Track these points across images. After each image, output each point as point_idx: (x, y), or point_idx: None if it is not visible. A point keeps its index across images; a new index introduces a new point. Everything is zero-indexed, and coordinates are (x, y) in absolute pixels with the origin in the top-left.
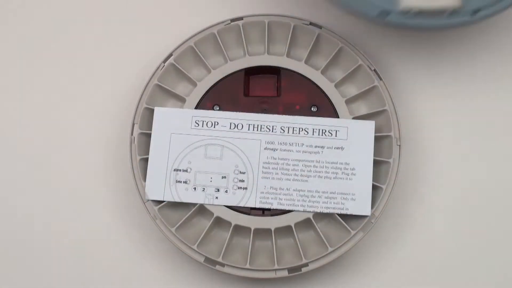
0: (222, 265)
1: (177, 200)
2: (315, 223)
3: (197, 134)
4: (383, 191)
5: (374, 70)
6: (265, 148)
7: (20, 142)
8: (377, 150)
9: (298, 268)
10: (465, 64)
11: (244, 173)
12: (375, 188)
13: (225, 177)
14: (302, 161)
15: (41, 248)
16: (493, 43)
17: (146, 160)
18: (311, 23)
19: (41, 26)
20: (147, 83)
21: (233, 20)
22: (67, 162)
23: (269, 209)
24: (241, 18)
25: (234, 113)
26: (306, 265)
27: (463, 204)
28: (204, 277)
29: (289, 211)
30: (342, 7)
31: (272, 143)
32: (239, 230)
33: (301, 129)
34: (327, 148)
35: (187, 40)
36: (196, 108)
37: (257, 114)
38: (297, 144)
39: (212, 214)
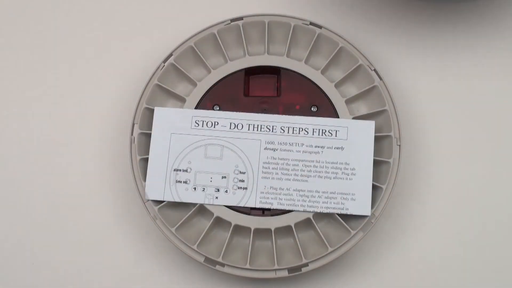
0: (222, 265)
1: (177, 200)
2: (315, 223)
3: (197, 134)
4: (383, 191)
5: (374, 70)
6: (265, 148)
7: (20, 142)
8: (377, 150)
9: (298, 268)
10: (466, 64)
11: (244, 173)
12: (375, 188)
13: (225, 177)
14: (302, 161)
15: (41, 248)
16: (493, 43)
17: (146, 160)
18: (311, 23)
19: (41, 27)
20: (147, 83)
21: (233, 20)
22: (67, 162)
23: (269, 209)
24: (241, 18)
25: (234, 113)
26: (306, 265)
27: (463, 204)
28: (204, 277)
29: (289, 211)
30: None
31: (272, 143)
32: (239, 230)
33: (301, 129)
34: (327, 148)
35: (187, 40)
36: (196, 108)
37: (257, 114)
38: (297, 144)
39: (212, 214)
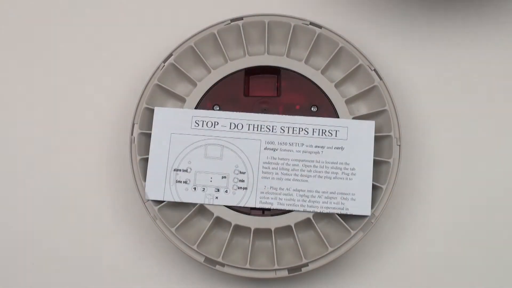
0: (222, 265)
1: (177, 200)
2: (315, 223)
3: (197, 134)
4: (383, 191)
5: (374, 70)
6: (265, 148)
7: (20, 142)
8: (377, 150)
9: (298, 268)
10: (466, 64)
11: (244, 173)
12: (375, 188)
13: (225, 177)
14: (302, 161)
15: (41, 248)
16: (494, 43)
17: (146, 160)
18: (311, 23)
19: (41, 26)
20: (147, 83)
21: (233, 20)
22: (67, 162)
23: (269, 209)
24: (241, 18)
25: (234, 113)
26: (306, 265)
27: (463, 204)
28: (204, 277)
29: (289, 211)
30: None
31: (272, 143)
32: (239, 230)
33: (301, 129)
34: (327, 148)
35: (187, 40)
36: (196, 108)
37: (257, 114)
38: (297, 144)
39: (212, 214)
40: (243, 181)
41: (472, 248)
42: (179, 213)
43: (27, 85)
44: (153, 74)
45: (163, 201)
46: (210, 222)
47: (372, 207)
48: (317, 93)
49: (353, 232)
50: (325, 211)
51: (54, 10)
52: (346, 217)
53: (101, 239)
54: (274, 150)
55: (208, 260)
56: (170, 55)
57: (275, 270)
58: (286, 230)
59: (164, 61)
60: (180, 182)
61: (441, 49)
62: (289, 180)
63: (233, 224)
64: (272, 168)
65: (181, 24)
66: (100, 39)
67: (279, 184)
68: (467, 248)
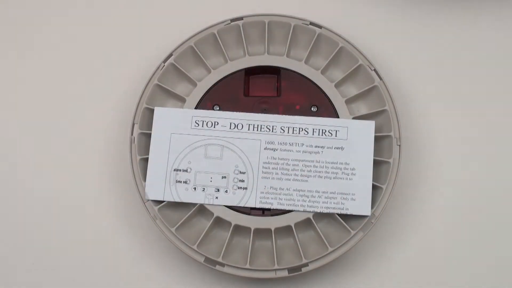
0: (222, 265)
1: (177, 200)
2: (315, 223)
3: (197, 134)
4: (383, 191)
5: (374, 70)
6: (265, 148)
7: (20, 142)
8: (377, 150)
9: (298, 268)
10: (467, 64)
11: (244, 173)
12: (375, 188)
13: (225, 177)
14: (302, 161)
15: (41, 248)
16: (495, 43)
17: (146, 160)
18: (311, 23)
19: (41, 26)
20: (147, 83)
21: (233, 20)
22: (67, 162)
23: (269, 209)
24: (241, 18)
25: (234, 113)
26: (306, 265)
27: (463, 204)
28: (204, 277)
29: (289, 211)
30: None
31: (272, 143)
32: (239, 230)
33: (301, 129)
34: (327, 148)
35: (187, 40)
36: (196, 108)
37: (257, 114)
38: (297, 144)
39: (212, 214)
40: (243, 181)
41: (472, 248)
42: (179, 213)
43: (27, 85)
44: (153, 74)
45: (163, 201)
46: (210, 222)
47: (372, 207)
48: (317, 93)
49: (353, 232)
50: (325, 211)
51: (54, 10)
52: (346, 217)
53: (101, 239)
54: (274, 150)
55: (208, 260)
56: (170, 55)
57: (275, 270)
58: (286, 230)
59: (164, 61)
60: (180, 182)
61: (441, 49)
62: (289, 180)
63: (233, 224)
64: (272, 168)
65: (181, 24)
66: (100, 39)
67: (279, 184)
68: (467, 248)
